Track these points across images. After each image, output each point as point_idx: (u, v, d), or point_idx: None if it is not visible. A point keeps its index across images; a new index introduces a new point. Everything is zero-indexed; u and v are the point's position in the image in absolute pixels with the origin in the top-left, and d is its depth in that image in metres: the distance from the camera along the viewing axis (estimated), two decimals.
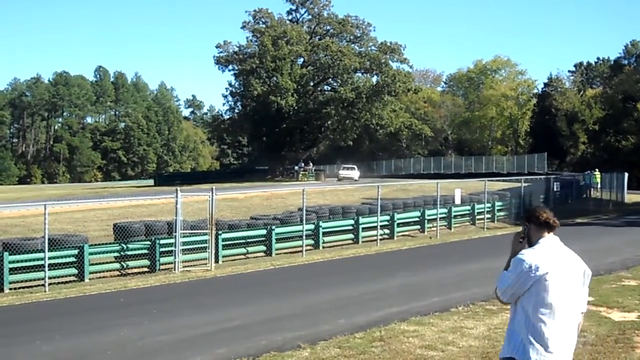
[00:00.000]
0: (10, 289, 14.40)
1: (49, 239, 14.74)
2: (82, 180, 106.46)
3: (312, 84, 64.56)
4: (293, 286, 14.25)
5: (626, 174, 39.78)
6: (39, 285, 14.52)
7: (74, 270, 15.51)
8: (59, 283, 14.98)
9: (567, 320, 4.05)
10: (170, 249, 16.84)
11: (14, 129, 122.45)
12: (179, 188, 18.00)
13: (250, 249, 19.46)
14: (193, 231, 17.51)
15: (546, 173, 48.80)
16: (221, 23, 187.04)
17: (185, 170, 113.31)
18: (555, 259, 4.07)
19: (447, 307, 10.90)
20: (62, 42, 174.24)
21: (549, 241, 4.17)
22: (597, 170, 42.68)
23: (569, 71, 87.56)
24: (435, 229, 24.65)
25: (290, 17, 67.00)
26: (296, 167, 62.30)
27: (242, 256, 19.16)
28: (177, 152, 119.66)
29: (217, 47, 65.15)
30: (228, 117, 70.52)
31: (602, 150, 68.23)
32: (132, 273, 16.48)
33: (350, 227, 22.66)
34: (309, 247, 20.43)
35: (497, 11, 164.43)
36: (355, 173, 57.90)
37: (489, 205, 28.34)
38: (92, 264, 15.95)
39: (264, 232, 19.76)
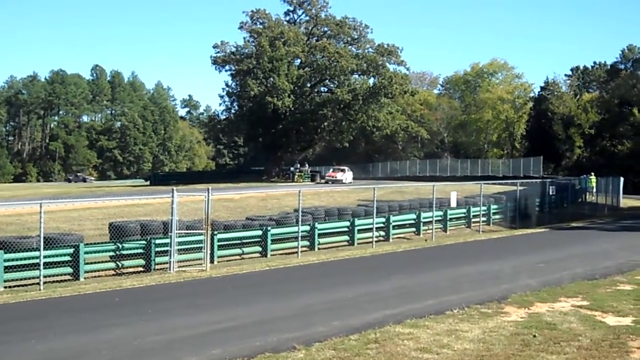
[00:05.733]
0: (5, 287, 14.39)
1: (44, 237, 14.71)
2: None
3: (308, 85, 64.54)
4: (288, 287, 14.24)
5: (622, 179, 39.90)
6: (33, 284, 14.49)
7: (69, 269, 15.52)
8: (54, 282, 14.97)
9: None
10: (165, 248, 16.81)
11: (10, 127, 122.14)
12: (174, 188, 17.95)
13: (245, 249, 19.48)
14: (188, 231, 17.51)
15: (542, 177, 48.84)
16: (218, 23, 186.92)
17: (180, 170, 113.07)
18: None
19: (442, 310, 10.90)
20: (59, 40, 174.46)
21: None
22: (592, 174, 42.78)
23: (565, 75, 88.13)
24: (430, 231, 24.68)
25: (287, 18, 66.96)
26: (292, 168, 62.35)
27: (238, 257, 19.16)
28: (173, 151, 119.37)
29: (214, 47, 65.14)
30: (224, 117, 70.37)
31: (598, 155, 68.39)
32: (127, 272, 16.48)
33: (346, 229, 22.68)
34: (304, 249, 20.45)
35: (495, 14, 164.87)
36: (345, 175, 56.14)
37: (485, 208, 28.43)
38: (88, 263, 15.94)
39: (259, 232, 19.77)
